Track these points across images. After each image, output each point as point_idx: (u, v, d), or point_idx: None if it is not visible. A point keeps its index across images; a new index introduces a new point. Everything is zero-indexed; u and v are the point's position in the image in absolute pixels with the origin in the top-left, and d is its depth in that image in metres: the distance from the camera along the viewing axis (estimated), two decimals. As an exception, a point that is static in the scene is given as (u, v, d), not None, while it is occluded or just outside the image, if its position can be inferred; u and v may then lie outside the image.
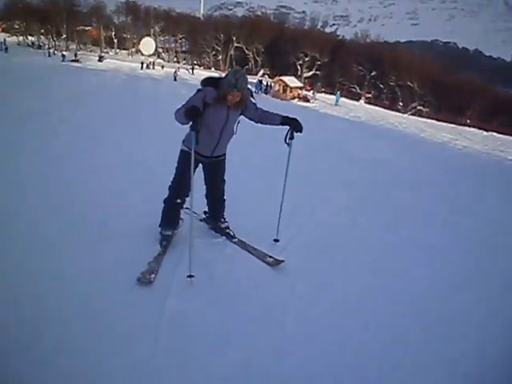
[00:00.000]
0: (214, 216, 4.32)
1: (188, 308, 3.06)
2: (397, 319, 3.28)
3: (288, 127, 3.84)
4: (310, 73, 56.96)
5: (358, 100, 49.66)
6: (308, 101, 39.48)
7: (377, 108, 44.07)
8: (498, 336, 3.31)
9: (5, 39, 65.28)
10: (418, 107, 50.59)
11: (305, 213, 5.41)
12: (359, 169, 8.81)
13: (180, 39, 75.33)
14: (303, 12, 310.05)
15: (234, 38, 63.17)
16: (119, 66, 47.96)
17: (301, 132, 3.81)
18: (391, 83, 53.17)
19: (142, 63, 48.83)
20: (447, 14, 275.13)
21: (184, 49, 77.31)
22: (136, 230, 4.09)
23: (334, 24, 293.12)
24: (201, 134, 3.44)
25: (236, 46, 63.83)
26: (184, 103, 3.50)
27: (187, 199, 3.85)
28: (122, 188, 5.22)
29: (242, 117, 3.79)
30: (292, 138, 3.88)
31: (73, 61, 48.61)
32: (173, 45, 76.35)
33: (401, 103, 51.51)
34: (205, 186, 4.11)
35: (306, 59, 56.50)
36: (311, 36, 60.21)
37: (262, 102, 21.94)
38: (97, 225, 4.14)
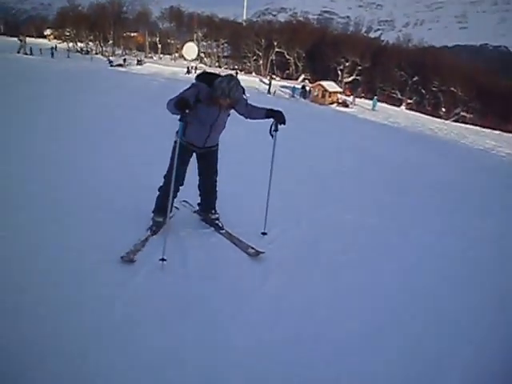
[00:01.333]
0: (206, 207, 4.41)
1: (150, 286, 3.20)
2: (371, 317, 3.26)
3: (273, 120, 3.95)
4: (351, 78, 56.42)
5: (399, 106, 48.89)
6: (347, 106, 39.33)
7: (418, 114, 43.20)
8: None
9: (56, 45, 68.88)
10: (462, 113, 49.05)
11: (305, 209, 5.46)
12: (382, 170, 8.81)
13: (222, 44, 76.39)
14: (347, 17, 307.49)
15: (275, 43, 63.38)
16: (161, 70, 49.21)
17: (284, 124, 3.93)
18: (434, 88, 51.82)
19: (188, 68, 49.76)
20: (498, 16, 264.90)
21: (226, 54, 78.43)
22: (131, 215, 4.28)
23: (378, 29, 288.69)
24: (193, 126, 3.66)
25: (277, 51, 64.00)
26: (177, 94, 3.61)
27: (181, 188, 4.01)
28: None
29: (233, 111, 3.93)
30: (276, 129, 3.97)
31: (118, 65, 50.60)
32: (215, 50, 77.52)
33: (443, 109, 50.13)
34: (198, 178, 4.22)
35: (347, 64, 56.00)
36: (352, 41, 59.60)
37: (301, 106, 22.42)
38: (93, 206, 4.41)
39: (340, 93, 43.19)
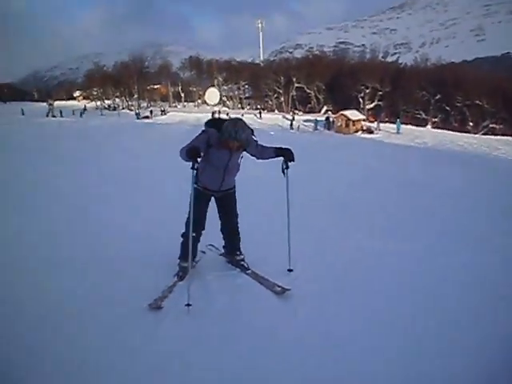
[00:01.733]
0: (230, 249, 4.45)
1: (176, 331, 3.25)
2: (416, 358, 3.00)
3: (282, 158, 4.05)
4: (373, 104, 56.49)
5: (424, 126, 48.55)
6: (372, 132, 39.45)
7: (445, 131, 42.68)
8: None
9: (85, 105, 72.84)
10: (491, 125, 48.06)
11: (331, 240, 5.42)
12: (409, 194, 8.79)
13: (243, 86, 78.28)
14: (362, 45, 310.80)
15: (294, 79, 64.44)
16: (185, 118, 50.44)
17: (293, 161, 4.02)
18: (458, 104, 51.16)
19: (213, 113, 50.94)
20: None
21: (247, 95, 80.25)
22: (158, 261, 4.43)
23: (395, 53, 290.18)
24: (206, 170, 3.88)
25: (297, 87, 65.02)
26: (189, 142, 3.80)
27: (203, 232, 4.12)
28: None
29: (244, 153, 4.05)
30: (287, 167, 4.07)
31: (144, 117, 52.82)
32: (236, 92, 79.50)
33: (470, 123, 49.30)
34: (219, 221, 4.30)
35: (367, 91, 56.23)
36: (370, 67, 59.95)
37: (325, 138, 22.72)
38: (124, 257, 4.58)
39: (363, 120, 43.41)
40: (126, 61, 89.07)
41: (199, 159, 3.71)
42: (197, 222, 3.96)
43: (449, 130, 44.60)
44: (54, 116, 43.81)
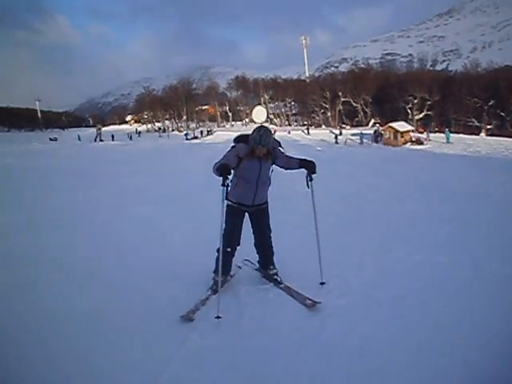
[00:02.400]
0: (264, 264, 4.57)
1: (205, 343, 3.35)
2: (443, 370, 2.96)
3: (305, 171, 4.23)
4: (422, 114, 55.26)
5: (477, 134, 46.92)
6: (421, 143, 38.57)
7: (500, 138, 40.94)
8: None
9: (136, 128, 76.54)
10: (551, 129, 45.71)
11: (369, 254, 5.39)
12: (458, 205, 8.59)
13: (289, 103, 79.00)
14: (410, 55, 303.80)
15: (340, 94, 64.34)
16: (232, 136, 51.36)
17: (315, 173, 4.20)
18: (514, 109, 49.17)
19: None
20: None
21: (294, 111, 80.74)
22: (196, 276, 4.57)
23: (444, 60, 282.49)
24: (239, 185, 4.10)
25: (343, 101, 64.84)
26: (221, 157, 4.00)
27: (238, 248, 4.29)
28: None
29: (274, 166, 4.25)
30: (311, 179, 4.25)
31: (193, 138, 54.56)
32: (283, 109, 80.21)
33: (529, 128, 47.01)
34: (253, 236, 4.43)
35: (415, 101, 55.19)
36: (417, 77, 58.78)
37: (372, 151, 22.53)
38: (165, 274, 4.76)
39: (412, 131, 42.55)
40: (174, 84, 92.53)
41: (230, 176, 3.86)
42: (231, 237, 4.16)
43: (505, 136, 42.73)
44: (101, 140, 45.96)
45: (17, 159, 19.43)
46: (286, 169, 4.34)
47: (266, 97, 79.24)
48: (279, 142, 4.23)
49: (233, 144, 4.19)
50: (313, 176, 4.26)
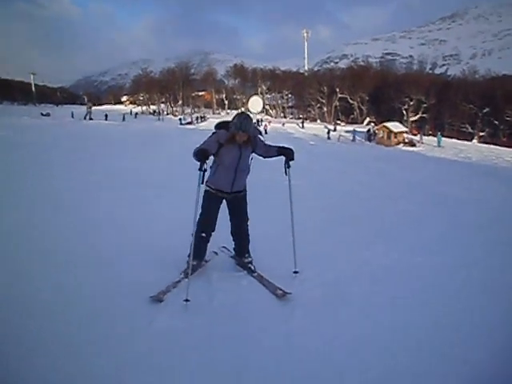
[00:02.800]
0: (239, 251, 4.57)
1: (172, 325, 3.34)
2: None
3: (284, 158, 4.25)
4: (417, 116, 55.68)
5: (470, 140, 47.35)
6: (414, 145, 38.82)
7: (491, 146, 41.33)
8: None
9: (131, 110, 76.08)
10: (543, 141, 46.18)
11: (348, 249, 5.38)
12: (444, 208, 8.58)
13: (286, 95, 78.96)
14: (410, 56, 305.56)
15: (338, 90, 64.51)
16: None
17: (293, 160, 4.24)
18: (507, 118, 49.63)
19: (257, 121, 50.90)
20: None
21: (290, 104, 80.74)
22: (169, 260, 4.46)
23: (443, 64, 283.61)
24: (219, 171, 4.10)
25: (340, 97, 64.99)
26: (202, 143, 4.03)
27: (213, 234, 4.26)
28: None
29: (253, 154, 4.25)
30: (288, 166, 4.29)
31: (187, 123, 54.29)
32: (279, 101, 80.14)
33: (521, 139, 47.48)
34: (230, 223, 4.42)
35: (411, 103, 55.54)
36: (415, 79, 59.11)
37: (365, 149, 22.44)
38: (144, 256, 4.66)
39: (406, 132, 42.79)
40: (172, 67, 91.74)
41: (207, 161, 3.88)
42: (207, 223, 4.18)
43: (497, 144, 43.17)
44: (91, 119, 45.43)
45: (6, 132, 19.02)
46: (265, 157, 4.36)
47: (264, 87, 79.11)
48: (260, 131, 4.30)
49: (214, 131, 4.18)
50: (290, 163, 4.28)
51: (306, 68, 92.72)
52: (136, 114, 73.95)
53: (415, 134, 45.13)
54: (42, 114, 53.35)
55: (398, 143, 39.51)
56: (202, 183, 3.95)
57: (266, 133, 40.73)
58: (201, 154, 3.80)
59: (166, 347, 3.07)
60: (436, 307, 3.83)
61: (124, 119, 56.77)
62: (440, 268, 4.85)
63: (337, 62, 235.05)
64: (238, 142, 4.03)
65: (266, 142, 4.36)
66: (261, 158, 4.36)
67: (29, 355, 2.83)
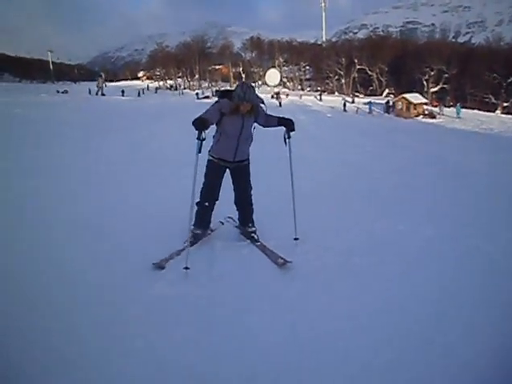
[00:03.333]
0: (243, 221, 4.59)
1: (170, 291, 3.41)
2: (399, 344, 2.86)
3: (284, 128, 4.26)
4: (437, 87, 54.23)
5: (493, 111, 46.00)
6: (434, 117, 37.95)
7: (517, 117, 40.13)
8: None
9: (148, 85, 75.91)
10: None
11: (355, 221, 5.32)
12: (457, 180, 8.38)
13: (303, 67, 77.81)
14: (432, 25, 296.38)
15: (356, 61, 63.21)
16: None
17: (293, 130, 4.24)
18: (534, 87, 47.96)
19: (274, 94, 50.24)
20: None
21: (308, 76, 79.59)
22: (176, 230, 4.45)
23: (467, 32, 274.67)
24: (221, 140, 4.09)
25: (359, 69, 63.71)
26: (204, 112, 3.98)
27: (217, 203, 4.31)
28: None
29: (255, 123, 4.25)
30: (289, 137, 4.28)
31: (204, 97, 53.97)
32: (297, 74, 79.06)
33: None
34: (233, 193, 4.44)
35: (432, 73, 54.04)
36: (436, 48, 57.19)
37: (382, 121, 21.96)
38: (148, 226, 4.74)
39: (426, 104, 41.80)
40: (188, 41, 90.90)
41: (206, 130, 3.84)
42: (210, 192, 4.22)
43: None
44: (103, 94, 45.65)
45: (25, 110, 19.17)
46: (265, 126, 4.33)
47: (281, 60, 78.17)
48: (262, 100, 4.19)
49: (217, 99, 4.13)
50: (291, 134, 4.28)
51: (324, 39, 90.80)
52: (156, 88, 73.98)
53: (436, 106, 43.97)
54: (58, 92, 53.18)
55: (418, 115, 38.69)
56: (200, 152, 3.89)
57: (280, 106, 40.27)
58: (199, 123, 3.75)
59: (162, 311, 3.14)
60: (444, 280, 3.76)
61: (139, 95, 56.50)
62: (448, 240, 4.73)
63: (356, 33, 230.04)
64: (241, 112, 4.01)
65: (267, 112, 4.31)
66: (260, 127, 4.32)
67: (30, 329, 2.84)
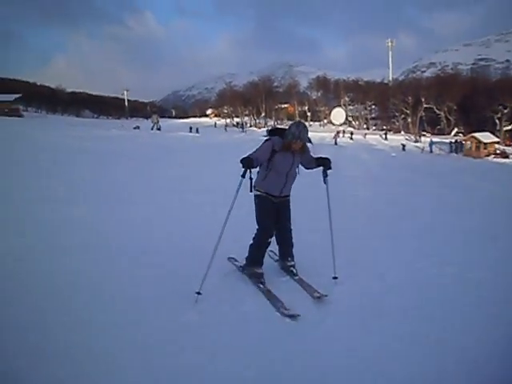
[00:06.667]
0: (283, 255, 4.64)
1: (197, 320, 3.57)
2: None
3: (322, 168, 4.41)
4: (511, 126, 51.94)
5: None
6: (506, 156, 36.33)
7: None
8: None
9: (215, 122, 78.78)
10: None
11: (399, 262, 5.23)
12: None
13: (369, 106, 77.55)
14: (507, 61, 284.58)
15: (423, 100, 62.12)
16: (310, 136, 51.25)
17: (330, 169, 4.40)
18: None
19: (337, 132, 50.49)
20: None
21: (373, 115, 79.15)
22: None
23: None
24: (270, 176, 4.26)
25: (425, 107, 62.52)
26: (254, 150, 4.20)
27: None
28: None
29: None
30: (326, 175, 4.42)
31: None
32: (362, 112, 78.88)
33: None
34: (274, 227, 4.49)
35: (505, 111, 51.92)
36: (510, 85, 54.86)
37: (449, 161, 21.10)
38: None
39: (497, 143, 40.19)
40: (255, 81, 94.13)
41: (253, 169, 4.08)
42: (269, 225, 4.36)
43: None
44: (158, 129, 48.33)
45: (94, 144, 21.17)
46: (307, 168, 4.52)
47: (346, 99, 78.62)
48: (309, 139, 4.38)
49: (267, 138, 4.33)
50: (328, 172, 4.42)
51: (391, 78, 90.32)
52: (226, 126, 76.73)
53: (508, 145, 42.23)
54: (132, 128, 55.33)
55: (489, 154, 37.25)
56: (258, 189, 4.28)
57: (335, 144, 40.24)
58: (247, 162, 3.97)
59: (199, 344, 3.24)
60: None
61: (191, 131, 55.71)
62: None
63: (424, 71, 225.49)
64: (293, 149, 4.19)
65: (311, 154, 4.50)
66: (302, 168, 4.51)
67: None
